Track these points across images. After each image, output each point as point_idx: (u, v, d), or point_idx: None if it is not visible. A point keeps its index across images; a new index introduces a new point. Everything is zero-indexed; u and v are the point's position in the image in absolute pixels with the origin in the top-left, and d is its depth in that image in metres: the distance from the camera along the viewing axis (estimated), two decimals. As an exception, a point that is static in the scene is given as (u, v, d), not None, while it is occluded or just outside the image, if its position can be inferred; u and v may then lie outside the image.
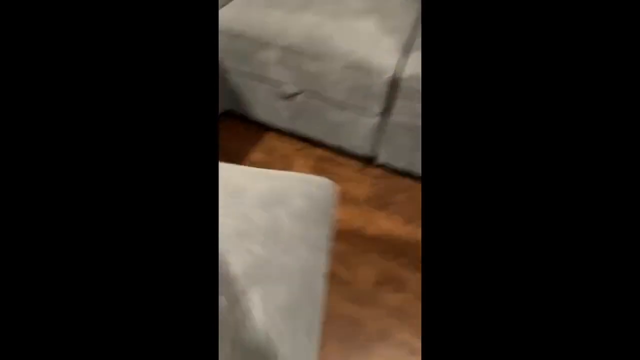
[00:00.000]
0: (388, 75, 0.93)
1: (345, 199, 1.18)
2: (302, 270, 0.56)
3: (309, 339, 0.52)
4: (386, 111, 1.03)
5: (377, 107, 1.01)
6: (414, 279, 1.01)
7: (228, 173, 0.66)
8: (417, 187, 1.21)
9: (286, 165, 1.24)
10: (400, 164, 1.15)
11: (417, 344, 0.90)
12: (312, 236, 0.61)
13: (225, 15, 1.06)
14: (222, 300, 0.45)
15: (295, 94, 1.09)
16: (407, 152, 1.09)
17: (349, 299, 0.96)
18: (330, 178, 1.30)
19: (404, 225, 1.12)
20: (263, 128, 1.34)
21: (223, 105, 1.30)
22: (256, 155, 1.28)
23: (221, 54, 1.12)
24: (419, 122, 0.98)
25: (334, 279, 0.98)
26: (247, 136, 1.34)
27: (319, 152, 1.28)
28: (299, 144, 1.30)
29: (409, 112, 0.98)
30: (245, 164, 1.28)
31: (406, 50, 0.98)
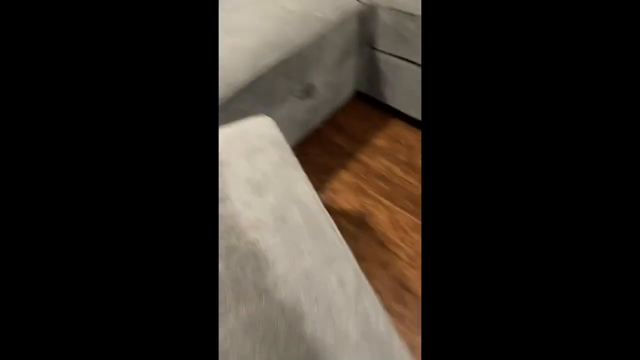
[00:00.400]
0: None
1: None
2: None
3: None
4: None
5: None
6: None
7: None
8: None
9: (410, 157, 1.21)
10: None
11: None
12: None
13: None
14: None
15: (449, 86, 1.04)
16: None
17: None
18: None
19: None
20: (389, 114, 1.31)
21: (353, 85, 1.29)
22: (380, 141, 1.26)
23: (379, 32, 1.10)
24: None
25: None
26: (372, 120, 1.32)
27: (447, 149, 1.22)
28: (426, 138, 1.25)
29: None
30: (368, 149, 1.27)
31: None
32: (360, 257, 1.01)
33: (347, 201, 1.11)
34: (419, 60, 1.07)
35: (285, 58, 0.89)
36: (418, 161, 1.20)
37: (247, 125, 0.69)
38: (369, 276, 0.96)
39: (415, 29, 1.01)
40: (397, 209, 1.08)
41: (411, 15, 1.01)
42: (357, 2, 1.04)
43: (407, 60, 1.10)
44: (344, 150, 1.24)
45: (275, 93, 0.93)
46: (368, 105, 1.35)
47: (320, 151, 1.25)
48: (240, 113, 0.87)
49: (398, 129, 1.29)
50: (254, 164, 0.60)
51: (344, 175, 1.17)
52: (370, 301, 0.49)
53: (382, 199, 1.11)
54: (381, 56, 1.16)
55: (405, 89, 1.17)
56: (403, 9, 1.02)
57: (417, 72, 1.10)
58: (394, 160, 1.20)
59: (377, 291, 0.93)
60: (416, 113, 1.20)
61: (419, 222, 1.04)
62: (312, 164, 1.22)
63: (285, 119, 1.03)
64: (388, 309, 0.89)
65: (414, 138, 1.26)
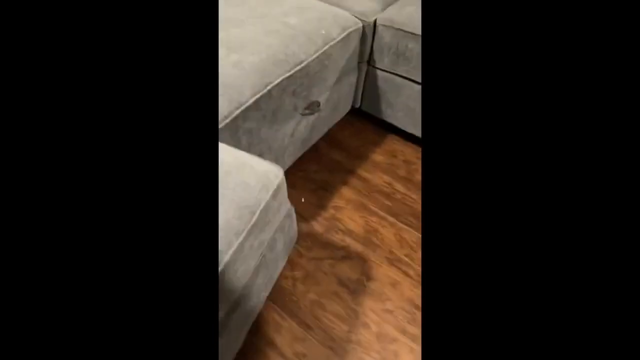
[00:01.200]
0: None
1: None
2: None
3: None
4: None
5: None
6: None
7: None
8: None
9: (409, 173, 1.21)
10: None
11: None
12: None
13: (399, 13, 1.06)
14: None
15: (450, 103, 1.06)
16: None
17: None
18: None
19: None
20: (383, 129, 1.32)
21: (350, 102, 1.29)
22: (378, 157, 1.26)
23: (379, 50, 1.11)
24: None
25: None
26: (368, 136, 1.32)
27: (444, 164, 1.24)
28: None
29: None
30: (367, 165, 1.27)
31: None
32: (370, 278, 0.98)
33: (351, 218, 1.09)
34: (419, 79, 1.08)
35: (291, 75, 0.87)
36: (417, 177, 1.20)
37: (251, 173, 0.60)
38: (382, 298, 0.93)
39: (415, 47, 1.03)
40: (402, 225, 1.07)
41: (411, 34, 1.02)
42: (358, 20, 1.05)
43: (406, 78, 1.11)
44: (343, 167, 1.23)
45: (281, 111, 0.90)
46: (362, 121, 1.35)
47: (319, 167, 1.23)
48: (246, 132, 0.83)
49: (395, 144, 1.30)
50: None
51: (345, 192, 1.16)
52: None
53: (386, 215, 1.10)
54: (379, 73, 1.17)
55: (403, 105, 1.18)
56: (403, 27, 1.04)
57: (416, 89, 1.11)
58: (394, 176, 1.20)
59: (390, 313, 0.90)
60: (413, 129, 1.21)
61: (424, 238, 1.04)
62: (311, 180, 1.19)
63: (288, 137, 1.00)
64: (402, 331, 0.87)
65: (412, 154, 1.27)
